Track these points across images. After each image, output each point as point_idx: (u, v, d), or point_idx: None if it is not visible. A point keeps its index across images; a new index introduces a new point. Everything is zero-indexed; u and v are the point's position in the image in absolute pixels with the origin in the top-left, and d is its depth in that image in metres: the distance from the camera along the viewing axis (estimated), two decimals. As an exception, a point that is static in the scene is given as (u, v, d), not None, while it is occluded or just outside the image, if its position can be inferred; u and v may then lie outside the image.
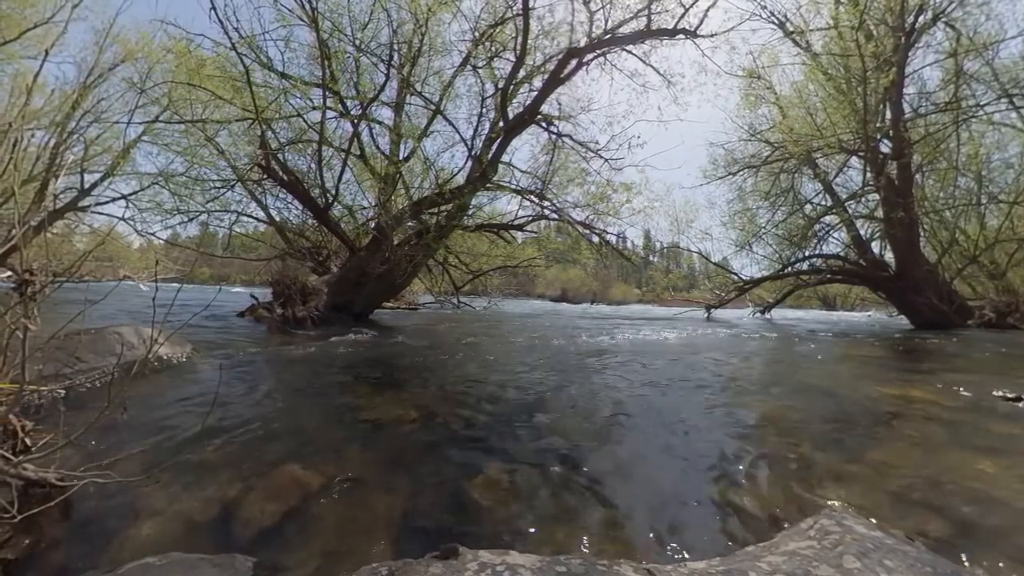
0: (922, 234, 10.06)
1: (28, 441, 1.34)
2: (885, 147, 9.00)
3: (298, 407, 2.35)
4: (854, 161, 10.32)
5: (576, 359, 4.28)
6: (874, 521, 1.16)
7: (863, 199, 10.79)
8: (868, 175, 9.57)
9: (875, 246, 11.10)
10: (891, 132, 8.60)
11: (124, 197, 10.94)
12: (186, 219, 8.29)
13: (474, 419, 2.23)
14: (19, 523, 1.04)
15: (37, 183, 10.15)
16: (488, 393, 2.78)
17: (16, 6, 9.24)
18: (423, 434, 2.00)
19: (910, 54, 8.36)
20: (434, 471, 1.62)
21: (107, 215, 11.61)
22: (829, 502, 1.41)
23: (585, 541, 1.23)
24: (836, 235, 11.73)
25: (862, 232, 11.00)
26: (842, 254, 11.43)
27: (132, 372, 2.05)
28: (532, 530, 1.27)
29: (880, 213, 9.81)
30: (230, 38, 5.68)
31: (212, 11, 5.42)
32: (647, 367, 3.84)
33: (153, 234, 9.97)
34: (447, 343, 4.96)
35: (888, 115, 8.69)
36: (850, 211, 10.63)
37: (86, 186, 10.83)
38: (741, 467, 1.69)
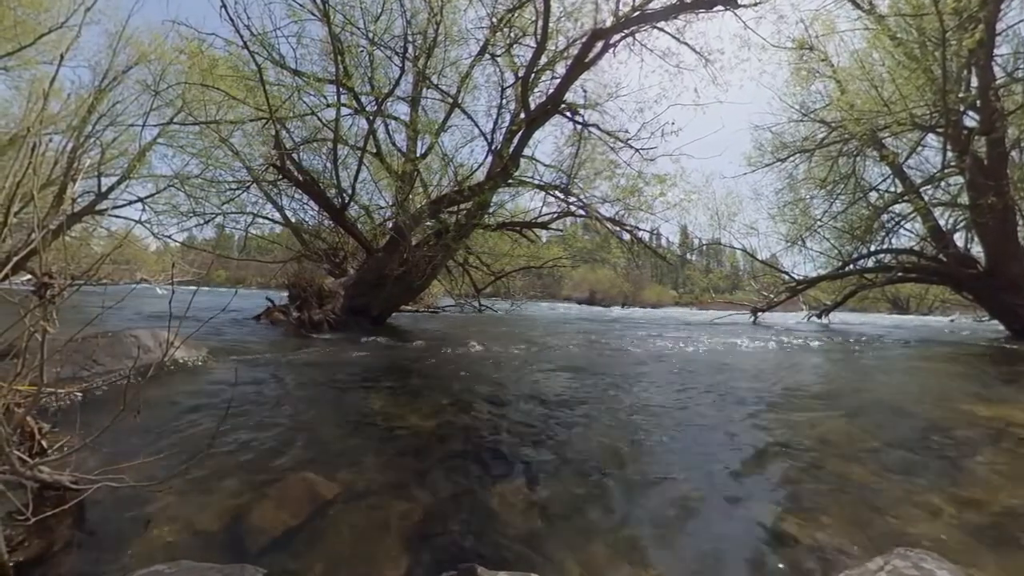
0: (1020, 223, 9.22)
1: (44, 443, 1.43)
2: (971, 120, 8.27)
3: (313, 413, 2.41)
4: (930, 139, 9.62)
5: (607, 368, 4.23)
6: (960, 565, 1.06)
7: (942, 183, 10.01)
8: (949, 155, 8.82)
9: (959, 238, 10.23)
10: (978, 102, 7.88)
11: (140, 200, 11.61)
12: (202, 221, 8.71)
13: (496, 429, 2.23)
14: (33, 525, 1.10)
15: (55, 187, 10.89)
16: (511, 402, 2.77)
17: (31, 11, 9.94)
18: (442, 443, 2.02)
19: (1003, 7, 7.55)
20: (453, 482, 1.63)
21: (124, 218, 12.34)
22: (903, 539, 1.29)
23: (614, 566, 1.19)
24: (909, 226, 10.94)
25: (941, 222, 10.19)
26: (917, 248, 10.65)
27: (148, 375, 2.15)
28: (557, 551, 1.25)
29: (965, 199, 9.06)
30: (241, 36, 5.92)
31: (223, 9, 5.65)
32: (686, 378, 3.75)
33: (169, 237, 10.49)
34: (467, 348, 4.99)
35: (974, 82, 7.99)
36: (926, 198, 9.89)
37: (103, 189, 11.54)
38: (795, 492, 1.60)
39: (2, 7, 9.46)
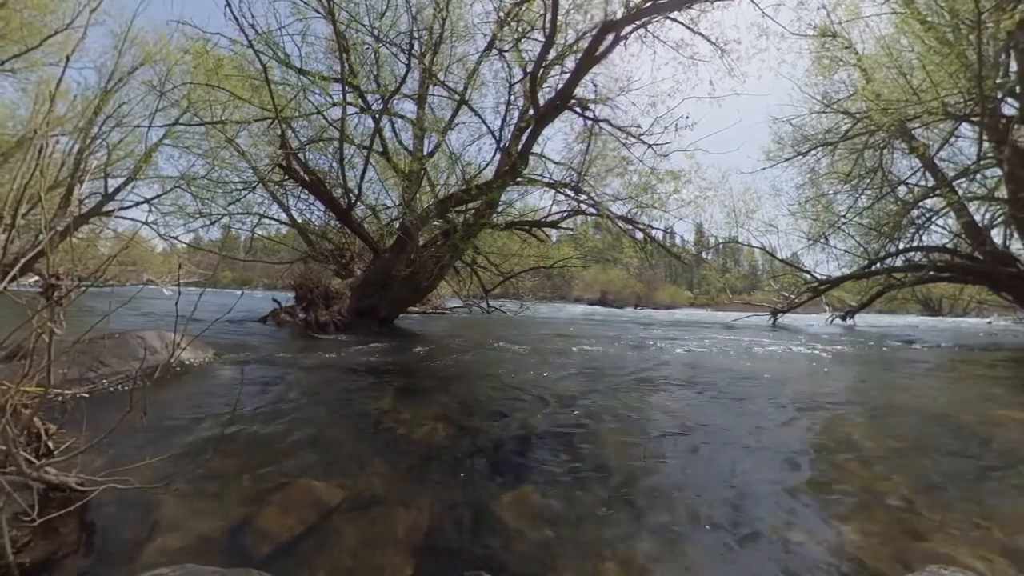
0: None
1: (51, 444, 1.46)
2: (1009, 108, 8.00)
3: (319, 416, 2.44)
4: (964, 129, 9.34)
5: (619, 371, 4.20)
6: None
7: (978, 176, 9.71)
8: (985, 145, 8.54)
9: (996, 234, 9.87)
10: (1017, 88, 7.64)
11: (147, 201, 11.86)
12: (208, 222, 8.85)
13: (505, 434, 2.22)
14: (38, 526, 1.13)
15: (62, 189, 11.17)
16: (521, 406, 2.77)
17: (37, 14, 10.21)
18: (450, 448, 2.02)
19: (1045, -18, 7.34)
20: (461, 488, 1.63)
21: (131, 219, 12.66)
22: (936, 556, 1.26)
23: None
24: (941, 222, 10.66)
25: (977, 217, 9.84)
26: (950, 246, 10.34)
27: (154, 377, 2.19)
28: (567, 560, 1.25)
29: (1003, 192, 8.76)
30: (246, 35, 6.01)
31: (227, 8, 5.75)
32: (702, 382, 3.71)
33: (176, 238, 10.70)
34: (476, 350, 5.00)
35: (1012, 67, 7.75)
36: (960, 192, 9.59)
37: (110, 191, 11.83)
38: (818, 504, 1.57)
39: (8, 9, 9.72)
